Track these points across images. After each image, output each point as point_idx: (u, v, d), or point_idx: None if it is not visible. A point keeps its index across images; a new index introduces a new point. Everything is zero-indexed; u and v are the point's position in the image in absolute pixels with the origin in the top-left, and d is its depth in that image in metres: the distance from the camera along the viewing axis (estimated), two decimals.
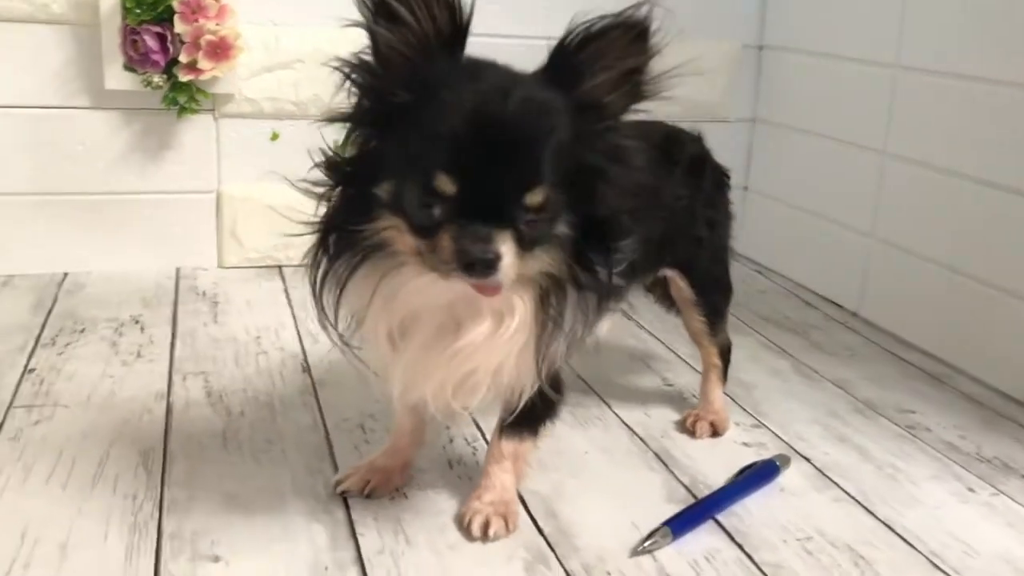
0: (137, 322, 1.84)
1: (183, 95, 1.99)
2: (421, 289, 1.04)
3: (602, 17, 0.99)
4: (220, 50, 1.95)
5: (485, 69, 1.02)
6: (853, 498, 1.36)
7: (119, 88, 1.99)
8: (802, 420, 1.60)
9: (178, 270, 2.15)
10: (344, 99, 1.04)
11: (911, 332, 1.99)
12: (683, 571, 1.16)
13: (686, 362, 1.81)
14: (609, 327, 1.58)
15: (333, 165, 1.06)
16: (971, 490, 1.41)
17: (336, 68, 1.02)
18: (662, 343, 1.90)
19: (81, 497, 1.24)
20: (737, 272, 2.40)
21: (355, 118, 1.04)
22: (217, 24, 1.94)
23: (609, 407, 1.61)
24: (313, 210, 1.10)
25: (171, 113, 2.04)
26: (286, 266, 2.22)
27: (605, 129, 1.03)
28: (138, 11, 1.90)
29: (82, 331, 1.78)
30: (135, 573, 1.09)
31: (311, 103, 2.14)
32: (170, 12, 1.91)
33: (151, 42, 1.91)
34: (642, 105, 1.03)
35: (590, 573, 1.15)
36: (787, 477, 1.40)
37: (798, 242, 2.36)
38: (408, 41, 0.99)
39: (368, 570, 1.13)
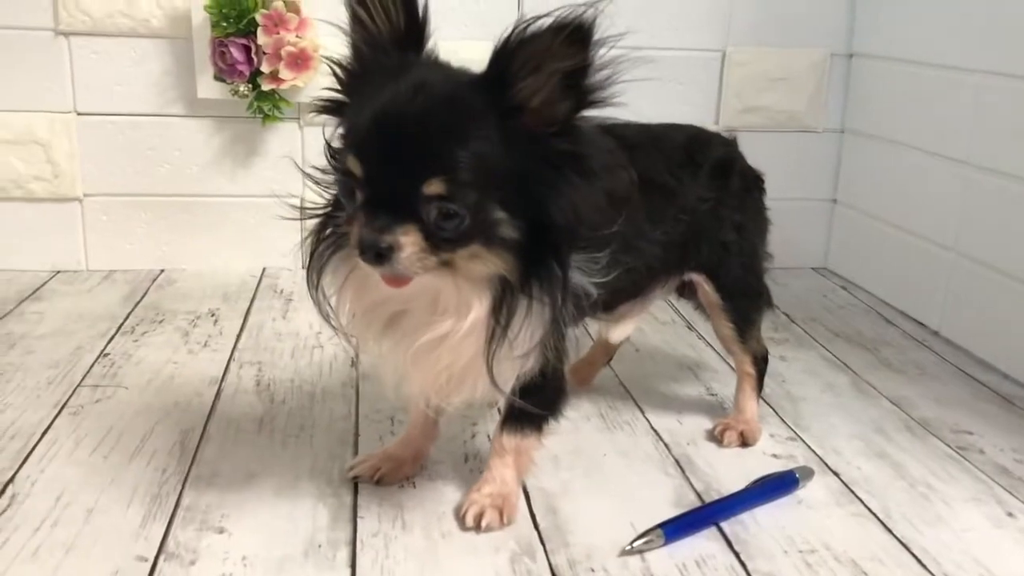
0: (212, 315, 1.96)
1: (267, 103, 2.11)
2: (380, 280, 1.09)
3: (539, 18, 0.97)
4: (300, 61, 2.06)
5: (422, 67, 1.06)
6: (874, 514, 1.31)
7: (210, 97, 2.13)
8: (842, 435, 1.55)
9: (264, 269, 2.27)
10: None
11: (991, 352, 1.89)
12: (669, 573, 1.15)
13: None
14: (629, 332, 1.59)
15: (328, 157, 1.12)
16: (1011, 515, 1.33)
17: (327, 64, 1.10)
18: (718, 354, 1.87)
19: (118, 468, 1.34)
20: (821, 286, 2.37)
21: (329, 110, 1.10)
22: (297, 36, 2.05)
23: (642, 412, 1.60)
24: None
25: (258, 121, 2.17)
26: None
27: (547, 135, 1.02)
28: (224, 24, 2.03)
29: (160, 321, 1.91)
30: (145, 538, 1.18)
31: None
32: (254, 25, 2.04)
33: (237, 53, 2.04)
34: (592, 111, 1.01)
35: (574, 568, 1.16)
36: (809, 490, 1.37)
37: (884, 257, 2.27)
38: (367, 40, 1.04)
39: (358, 550, 1.17)
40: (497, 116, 1.01)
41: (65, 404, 1.53)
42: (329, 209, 1.16)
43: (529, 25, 0.97)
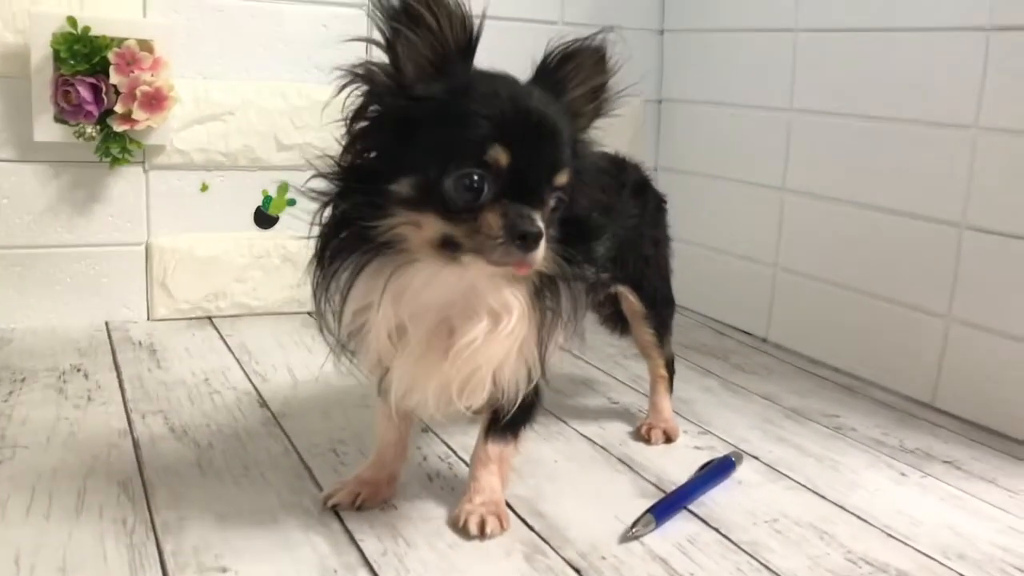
0: (79, 370, 1.81)
1: (116, 146, 1.99)
2: (428, 283, 1.11)
3: (575, 40, 1.16)
4: (155, 101, 1.98)
5: (496, 74, 1.13)
6: (804, 486, 1.48)
7: (48, 140, 1.98)
8: (742, 426, 1.72)
9: (107, 323, 2.12)
10: (349, 104, 1.10)
11: (819, 351, 2.16)
12: (671, 552, 1.24)
13: (625, 384, 1.92)
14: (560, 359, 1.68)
15: (345, 169, 1.11)
16: (903, 475, 1.55)
17: (350, 73, 1.09)
18: (600, 370, 2.00)
19: (68, 525, 1.22)
20: None
21: (376, 122, 1.10)
22: (152, 75, 1.97)
23: (566, 423, 1.68)
24: (312, 218, 1.15)
25: (100, 165, 2.04)
26: (216, 316, 2.21)
27: (582, 138, 1.17)
28: (72, 62, 1.91)
29: (23, 380, 1.74)
30: None
31: (240, 154, 2.18)
32: (105, 64, 1.93)
33: (85, 93, 1.92)
34: (601, 120, 1.18)
35: (587, 559, 1.21)
36: (741, 472, 1.51)
37: (706, 279, 2.51)
38: (432, 46, 1.07)
39: (377, 570, 1.16)
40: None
41: None
42: (339, 222, 1.13)
43: (568, 45, 1.13)
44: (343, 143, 1.13)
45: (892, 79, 1.95)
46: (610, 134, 2.56)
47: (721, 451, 1.58)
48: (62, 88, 1.93)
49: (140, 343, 2.01)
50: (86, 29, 1.91)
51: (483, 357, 1.14)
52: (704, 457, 1.54)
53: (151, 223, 2.15)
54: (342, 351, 1.19)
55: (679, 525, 1.32)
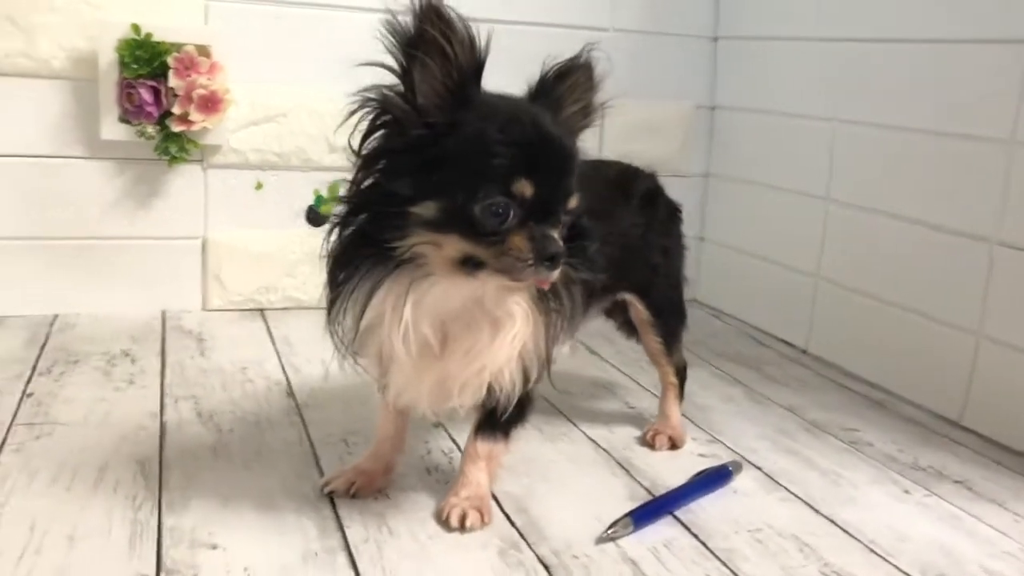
0: (128, 355, 1.94)
1: (174, 145, 2.12)
2: (441, 295, 1.17)
3: (570, 59, 1.21)
4: (211, 103, 2.09)
5: (506, 98, 1.18)
6: (799, 498, 1.49)
7: (114, 139, 2.12)
8: (753, 436, 1.73)
9: (164, 312, 2.25)
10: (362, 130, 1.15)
11: (855, 364, 2.14)
12: (644, 555, 1.28)
13: (647, 389, 1.94)
14: (571, 350, 1.72)
15: (362, 190, 1.16)
16: (907, 492, 1.54)
17: (368, 100, 1.13)
18: (624, 374, 2.03)
19: (85, 498, 1.33)
20: (694, 316, 2.55)
21: (396, 147, 1.14)
22: (208, 79, 2.08)
23: (575, 425, 1.72)
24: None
25: (161, 163, 2.17)
26: (268, 309, 2.32)
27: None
28: (135, 66, 2.04)
29: (76, 362, 1.88)
30: (138, 557, 1.19)
31: (293, 155, 2.29)
32: (165, 68, 2.06)
33: (146, 95, 2.05)
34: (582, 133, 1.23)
35: (559, 557, 1.26)
36: (739, 481, 1.53)
37: (751, 286, 2.51)
38: (446, 71, 1.11)
39: (355, 555, 1.23)
40: None
41: (4, 442, 1.49)
42: (358, 239, 1.18)
43: (563, 64, 1.18)
44: (356, 165, 1.17)
45: (932, 91, 1.92)
46: (661, 138, 2.60)
47: (725, 459, 1.59)
48: (126, 90, 2.07)
49: (190, 332, 2.13)
50: (148, 35, 2.04)
51: (487, 360, 1.20)
52: (707, 465, 1.56)
53: (208, 218, 2.27)
54: (347, 352, 1.25)
55: (659, 529, 1.35)
